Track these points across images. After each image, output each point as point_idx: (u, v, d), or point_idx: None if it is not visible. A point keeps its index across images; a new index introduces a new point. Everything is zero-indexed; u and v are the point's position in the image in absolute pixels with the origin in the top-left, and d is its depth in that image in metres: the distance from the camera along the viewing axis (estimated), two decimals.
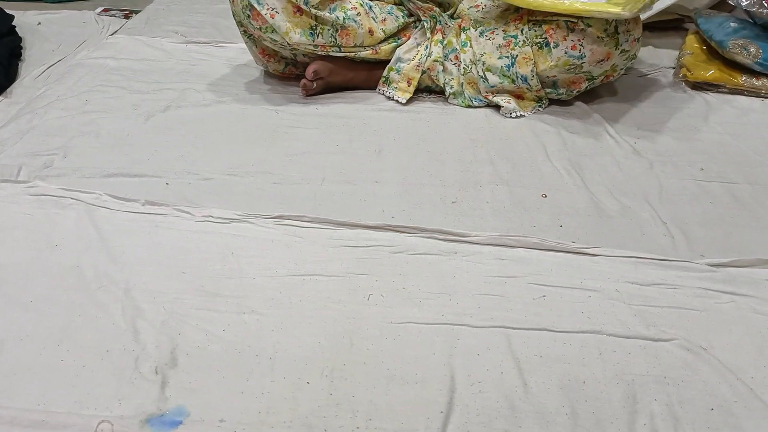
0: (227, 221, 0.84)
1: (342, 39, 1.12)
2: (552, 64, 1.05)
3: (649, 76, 1.27)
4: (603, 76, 1.09)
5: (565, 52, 1.04)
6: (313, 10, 1.07)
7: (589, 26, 1.01)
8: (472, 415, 0.59)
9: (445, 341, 0.67)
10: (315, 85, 1.16)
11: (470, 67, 1.13)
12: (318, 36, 1.10)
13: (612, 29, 1.01)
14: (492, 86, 1.11)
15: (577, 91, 1.12)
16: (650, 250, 0.80)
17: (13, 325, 0.68)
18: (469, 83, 1.14)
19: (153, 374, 0.62)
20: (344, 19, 1.11)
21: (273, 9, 1.06)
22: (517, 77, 1.09)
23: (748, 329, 0.69)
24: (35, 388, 0.61)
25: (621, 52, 1.04)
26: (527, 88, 1.10)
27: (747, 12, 1.24)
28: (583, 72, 1.07)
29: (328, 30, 1.11)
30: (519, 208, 0.88)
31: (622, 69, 1.09)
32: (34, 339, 0.66)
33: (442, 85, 1.16)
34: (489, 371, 0.64)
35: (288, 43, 1.09)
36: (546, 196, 0.91)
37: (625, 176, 0.96)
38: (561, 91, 1.12)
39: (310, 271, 0.76)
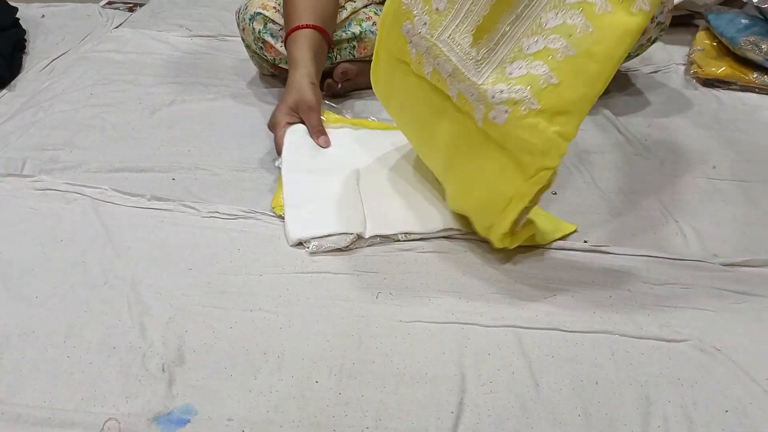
0: (234, 217, 0.83)
1: (360, 53, 1.11)
2: None
3: (659, 73, 1.26)
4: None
5: None
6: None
7: None
8: (483, 415, 0.59)
9: (456, 340, 0.66)
10: (340, 86, 1.13)
11: None
12: (336, 56, 1.10)
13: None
14: None
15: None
16: (662, 248, 0.79)
17: (18, 321, 0.67)
18: None
19: (160, 372, 0.62)
20: (360, 32, 1.09)
21: None
22: None
23: (762, 330, 0.68)
24: (41, 385, 0.60)
25: (656, 25, 1.04)
26: None
27: (758, 8, 1.23)
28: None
29: (346, 47, 1.10)
30: None
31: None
32: (39, 335, 0.65)
33: None
34: (500, 371, 0.63)
35: None
36: (556, 193, 0.90)
37: (635, 173, 0.94)
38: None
39: (317, 268, 0.75)
